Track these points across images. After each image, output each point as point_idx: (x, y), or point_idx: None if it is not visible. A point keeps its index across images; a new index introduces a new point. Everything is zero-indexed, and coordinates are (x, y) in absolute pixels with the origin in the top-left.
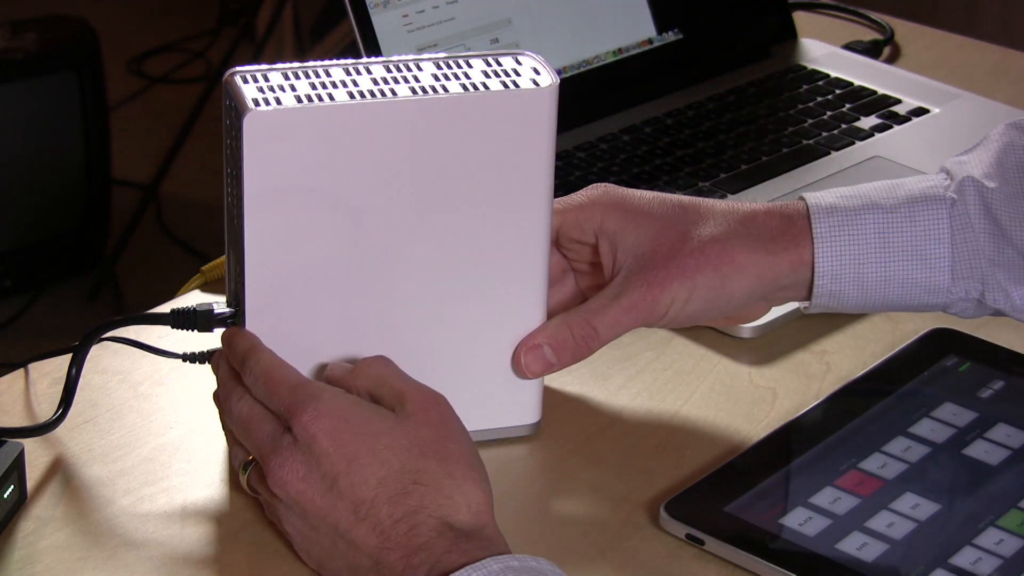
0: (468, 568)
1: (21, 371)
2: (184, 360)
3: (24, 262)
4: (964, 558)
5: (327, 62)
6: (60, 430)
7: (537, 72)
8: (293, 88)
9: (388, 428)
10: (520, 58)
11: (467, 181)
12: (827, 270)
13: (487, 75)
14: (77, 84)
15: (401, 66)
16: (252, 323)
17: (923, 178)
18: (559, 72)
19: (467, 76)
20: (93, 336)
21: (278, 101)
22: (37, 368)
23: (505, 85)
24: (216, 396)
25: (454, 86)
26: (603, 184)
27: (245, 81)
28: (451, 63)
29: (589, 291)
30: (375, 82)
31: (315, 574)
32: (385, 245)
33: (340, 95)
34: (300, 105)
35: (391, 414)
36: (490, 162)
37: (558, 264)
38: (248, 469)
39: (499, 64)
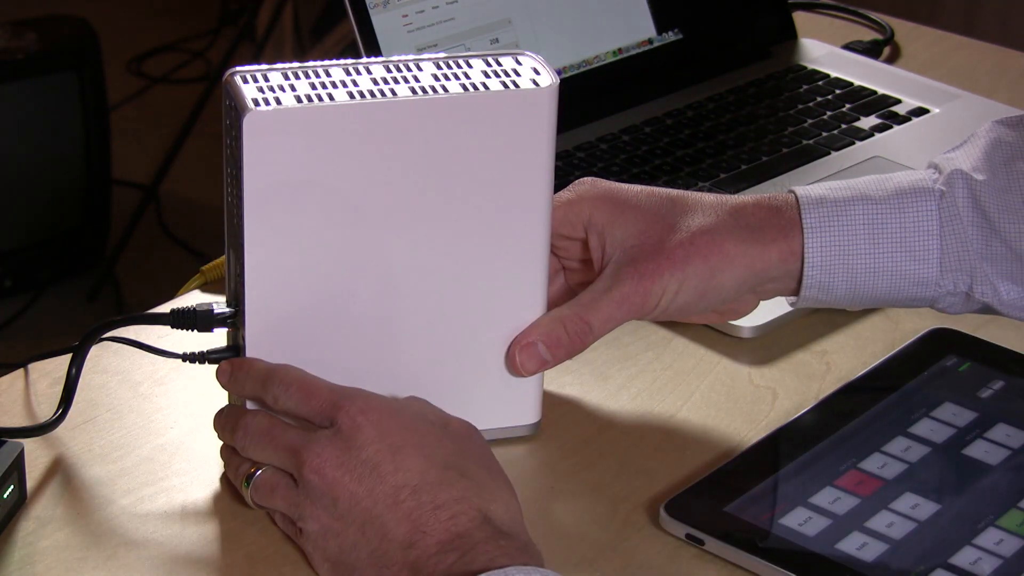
0: (495, 572)
1: (21, 371)
2: (184, 360)
3: (24, 262)
4: (964, 558)
5: (327, 62)
6: (60, 430)
7: (537, 72)
8: (293, 88)
9: (434, 430)
10: (520, 58)
11: (467, 181)
12: (816, 261)
13: (487, 75)
14: (77, 84)
15: (401, 66)
16: (252, 323)
17: (912, 172)
18: (559, 72)
19: (467, 76)
20: (93, 336)
21: (278, 101)
22: (37, 368)
23: (505, 85)
24: (217, 422)
25: (454, 86)
26: (589, 178)
27: (245, 81)
28: (451, 63)
29: (580, 288)
30: (375, 82)
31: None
32: (385, 245)
33: (340, 95)
34: (299, 105)
35: (441, 415)
36: (490, 162)
37: (550, 263)
38: (251, 480)
39: (499, 64)
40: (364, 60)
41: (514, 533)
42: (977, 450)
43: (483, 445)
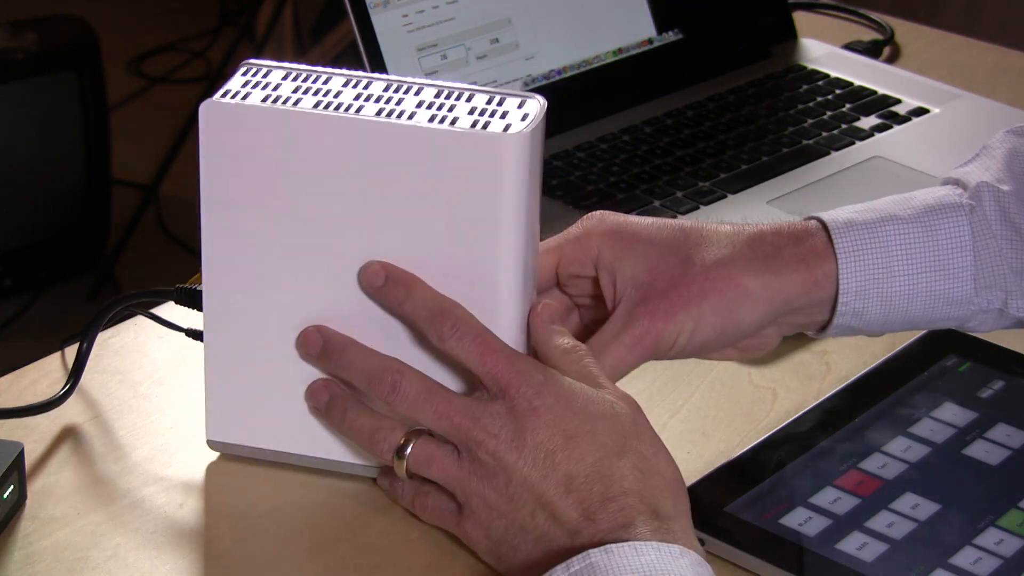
0: (660, 543)
1: (21, 371)
2: (188, 336)
3: (24, 262)
4: (964, 558)
5: (335, 70)
6: (60, 430)
7: (523, 119)
8: (276, 88)
9: (608, 413)
10: (527, 102)
11: (420, 214)
12: (852, 287)
13: (472, 112)
14: (77, 84)
15: (403, 86)
16: (210, 316)
17: (933, 189)
18: (559, 72)
19: (450, 110)
20: (105, 312)
21: (244, 97)
22: (38, 367)
23: (474, 125)
24: (331, 405)
25: (423, 116)
26: (598, 212)
27: (244, 73)
28: (452, 93)
29: (594, 326)
30: (357, 97)
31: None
32: (335, 258)
33: (307, 103)
34: (258, 105)
35: (609, 400)
36: (441, 200)
37: (561, 302)
38: (406, 452)
39: (499, 104)
40: (371, 75)
41: (679, 523)
42: (977, 450)
43: (647, 430)
